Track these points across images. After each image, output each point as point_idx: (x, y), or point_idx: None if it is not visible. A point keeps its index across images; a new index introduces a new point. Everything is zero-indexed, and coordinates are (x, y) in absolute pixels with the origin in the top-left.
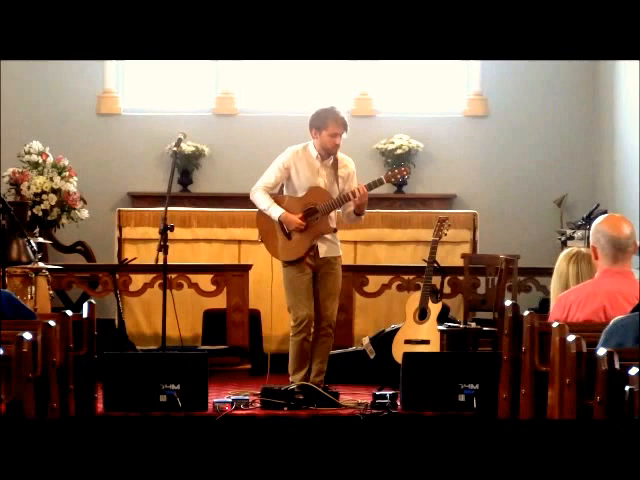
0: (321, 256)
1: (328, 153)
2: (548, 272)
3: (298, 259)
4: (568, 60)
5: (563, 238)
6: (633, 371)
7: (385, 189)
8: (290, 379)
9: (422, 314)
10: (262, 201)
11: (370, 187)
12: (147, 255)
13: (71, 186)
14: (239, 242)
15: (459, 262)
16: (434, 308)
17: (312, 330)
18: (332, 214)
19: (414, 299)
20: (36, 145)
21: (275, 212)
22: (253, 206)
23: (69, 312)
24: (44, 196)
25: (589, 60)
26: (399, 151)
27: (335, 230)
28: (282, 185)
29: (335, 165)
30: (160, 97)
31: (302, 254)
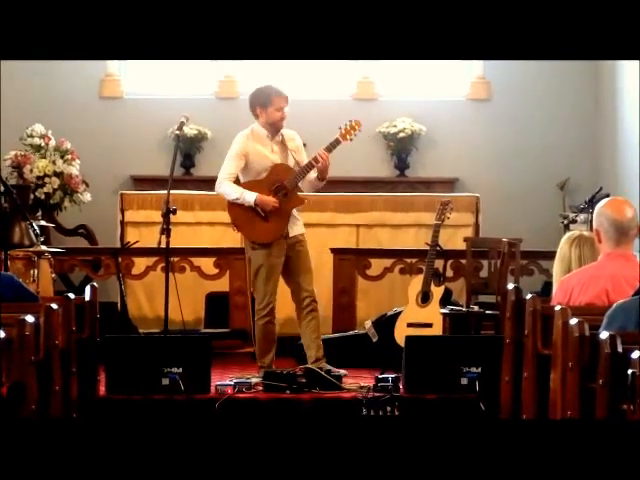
0: (291, 235)
1: (276, 129)
2: (551, 255)
3: (278, 238)
4: (570, 60)
5: (566, 221)
6: (635, 354)
7: (387, 172)
8: (259, 363)
9: (425, 297)
10: (232, 191)
11: (329, 149)
12: (149, 238)
13: (73, 169)
14: None
15: (461, 245)
16: (436, 291)
17: (275, 312)
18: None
19: (417, 282)
20: (38, 128)
21: (249, 197)
22: None
23: (71, 295)
24: (46, 179)
25: (591, 60)
26: (401, 135)
27: (303, 201)
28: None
29: (284, 141)
30: (162, 80)
31: (283, 231)
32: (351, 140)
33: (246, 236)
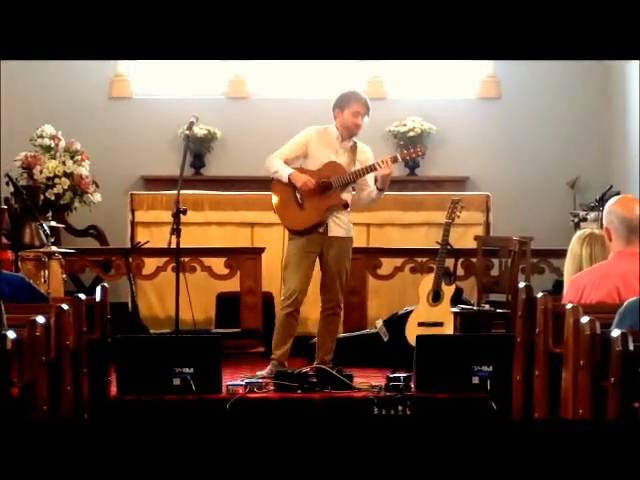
0: (330, 235)
1: (349, 133)
2: (561, 254)
3: (309, 228)
4: (579, 60)
5: (576, 220)
6: None
7: (398, 172)
8: (272, 355)
9: (435, 296)
10: (274, 165)
11: (393, 161)
12: (160, 238)
13: (83, 170)
14: (252, 225)
15: (472, 244)
16: (447, 290)
17: (300, 307)
18: (345, 193)
19: (427, 281)
20: (48, 129)
21: (285, 171)
22: (265, 189)
23: (82, 296)
24: (57, 180)
25: (600, 60)
26: (411, 133)
27: (346, 206)
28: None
29: (354, 150)
30: (172, 80)
31: (312, 223)
32: (405, 163)
33: (280, 219)
